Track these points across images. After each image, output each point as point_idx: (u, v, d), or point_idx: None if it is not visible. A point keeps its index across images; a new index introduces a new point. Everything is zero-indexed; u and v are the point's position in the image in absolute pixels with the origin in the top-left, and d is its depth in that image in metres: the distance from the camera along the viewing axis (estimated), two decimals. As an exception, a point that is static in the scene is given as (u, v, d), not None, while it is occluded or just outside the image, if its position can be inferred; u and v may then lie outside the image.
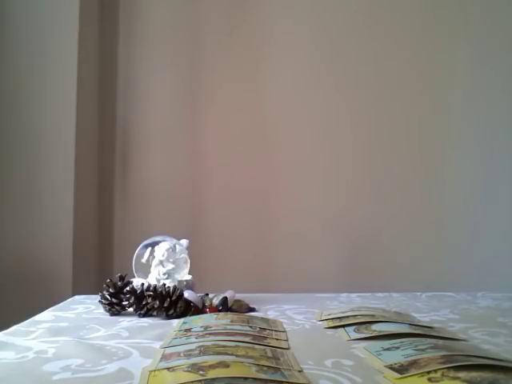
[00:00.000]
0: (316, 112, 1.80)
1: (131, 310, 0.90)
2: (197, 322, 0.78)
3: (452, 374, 0.50)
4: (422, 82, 1.80)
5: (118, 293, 0.91)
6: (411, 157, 1.80)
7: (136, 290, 0.90)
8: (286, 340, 0.70)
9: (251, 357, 0.57)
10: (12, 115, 1.52)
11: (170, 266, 1.00)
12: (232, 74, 1.81)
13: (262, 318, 0.82)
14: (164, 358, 0.58)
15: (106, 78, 1.79)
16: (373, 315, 0.80)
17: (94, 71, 1.75)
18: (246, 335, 0.68)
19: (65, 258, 1.51)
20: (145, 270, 1.02)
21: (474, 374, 0.49)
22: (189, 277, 1.02)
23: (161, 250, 1.01)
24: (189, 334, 0.70)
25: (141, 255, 1.03)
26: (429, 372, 0.51)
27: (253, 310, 0.95)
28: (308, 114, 1.81)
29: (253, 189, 1.78)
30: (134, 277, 1.02)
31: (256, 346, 0.63)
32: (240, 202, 1.78)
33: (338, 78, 1.81)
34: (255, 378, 0.49)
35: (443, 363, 0.52)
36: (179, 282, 0.99)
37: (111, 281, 0.93)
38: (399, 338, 0.66)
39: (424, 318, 0.86)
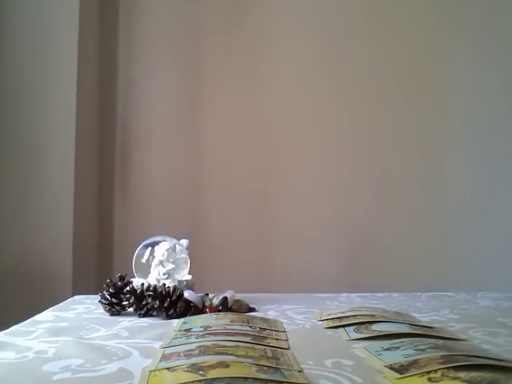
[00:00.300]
0: (316, 112, 1.80)
1: (131, 309, 0.90)
2: (197, 321, 0.78)
3: (452, 374, 0.50)
4: (421, 83, 1.80)
5: (117, 293, 0.91)
6: (411, 157, 1.80)
7: (136, 290, 0.90)
8: (286, 340, 0.70)
9: (251, 357, 0.57)
10: (12, 115, 1.52)
11: (170, 266, 1.00)
12: (232, 74, 1.81)
13: (261, 318, 0.82)
14: (164, 357, 0.58)
15: (106, 78, 1.79)
16: (373, 315, 0.80)
17: (94, 71, 1.75)
18: (246, 335, 0.68)
19: (65, 258, 1.51)
20: (145, 270, 1.02)
21: (474, 374, 0.49)
22: (189, 277, 1.02)
23: (161, 250, 1.01)
24: (189, 334, 0.70)
25: (141, 255, 1.03)
26: (429, 372, 0.51)
27: (253, 310, 0.95)
28: (308, 114, 1.80)
29: (253, 189, 1.78)
30: (134, 277, 1.02)
31: (256, 346, 0.63)
32: (240, 202, 1.78)
33: (337, 78, 1.81)
34: (255, 378, 0.49)
35: (443, 363, 0.52)
36: (179, 281, 0.99)
37: (111, 281, 0.93)
38: (399, 338, 0.66)
39: (424, 318, 0.86)
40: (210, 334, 0.68)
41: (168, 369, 0.53)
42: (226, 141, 1.80)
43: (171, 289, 0.90)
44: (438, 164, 1.79)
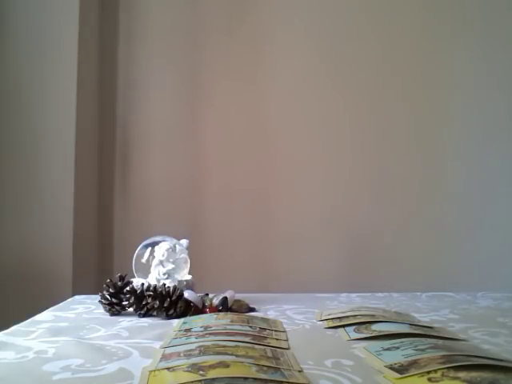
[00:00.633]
0: (316, 112, 1.80)
1: (131, 309, 0.90)
2: (197, 321, 0.78)
3: (452, 374, 0.50)
4: (421, 82, 1.80)
5: (117, 293, 0.91)
6: (411, 157, 1.80)
7: (136, 290, 0.90)
8: (286, 340, 0.70)
9: (251, 357, 0.57)
10: (12, 115, 1.52)
11: (170, 266, 1.00)
12: (232, 74, 1.81)
13: (262, 318, 0.82)
14: (164, 357, 0.58)
15: (106, 78, 1.79)
16: (373, 315, 0.80)
17: (94, 71, 1.75)
18: (246, 335, 0.68)
19: (65, 258, 1.51)
20: (145, 270, 1.02)
21: (474, 374, 0.49)
22: (189, 277, 1.02)
23: (161, 250, 1.01)
24: (189, 334, 0.70)
25: (141, 255, 1.03)
26: (429, 372, 0.51)
27: (253, 310, 0.95)
28: (308, 114, 1.81)
29: (253, 189, 1.78)
30: (134, 277, 1.02)
31: (256, 346, 0.62)
32: (240, 201, 1.78)
33: (337, 77, 1.81)
34: (255, 378, 0.49)
35: (443, 363, 0.52)
36: (179, 281, 0.99)
37: (111, 281, 0.93)
38: (399, 338, 0.66)
39: (424, 318, 0.86)
40: (210, 333, 0.68)
41: (168, 369, 0.53)
42: (225, 141, 1.80)
43: (171, 289, 0.90)
44: (438, 164, 1.79)
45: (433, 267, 1.72)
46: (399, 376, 0.52)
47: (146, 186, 1.77)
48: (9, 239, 1.48)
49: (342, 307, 0.94)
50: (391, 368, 0.54)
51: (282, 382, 0.50)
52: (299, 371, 0.55)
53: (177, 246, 1.03)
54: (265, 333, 0.72)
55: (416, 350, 0.59)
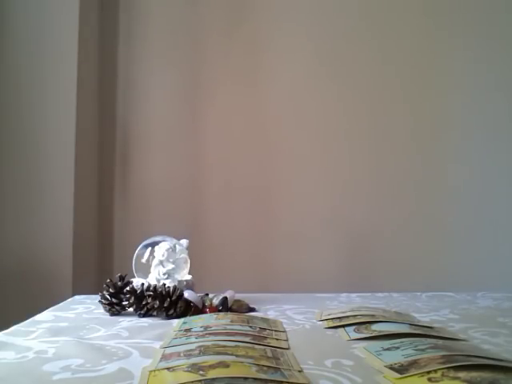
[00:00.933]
0: (315, 112, 1.80)
1: (131, 309, 0.90)
2: (197, 321, 0.78)
3: (452, 374, 0.50)
4: (420, 84, 1.80)
5: (117, 293, 0.91)
6: (411, 157, 1.79)
7: (136, 290, 0.90)
8: (286, 340, 0.70)
9: (251, 357, 0.57)
10: (12, 115, 1.52)
11: (170, 266, 1.00)
12: (232, 75, 1.81)
13: (262, 318, 0.82)
14: (164, 357, 0.58)
15: (106, 78, 1.79)
16: (373, 315, 0.80)
17: (94, 71, 1.75)
18: (246, 335, 0.67)
19: (65, 258, 1.51)
20: (145, 270, 1.02)
21: (474, 374, 0.49)
22: (189, 277, 1.02)
23: (161, 250, 1.01)
24: (189, 334, 0.70)
25: (141, 255, 1.03)
26: (429, 372, 0.51)
27: (253, 310, 0.95)
28: (307, 115, 1.80)
29: (253, 189, 1.78)
30: (134, 277, 1.02)
31: (256, 346, 0.62)
32: (240, 202, 1.78)
33: (336, 79, 1.81)
34: (255, 378, 0.49)
35: (443, 363, 0.52)
36: (179, 281, 0.99)
37: (111, 281, 0.93)
38: (399, 338, 0.66)
39: (424, 318, 0.86)
40: (210, 333, 0.68)
41: (168, 369, 0.53)
42: (225, 141, 1.80)
43: (171, 289, 0.90)
44: (438, 164, 1.79)
45: (433, 267, 1.72)
46: (399, 376, 0.52)
47: (146, 186, 1.77)
48: (9, 239, 1.48)
49: (342, 307, 0.94)
50: (391, 368, 0.54)
51: (282, 381, 0.50)
52: (299, 371, 0.55)
53: (177, 246, 1.03)
54: (265, 333, 0.72)
55: (416, 350, 0.59)
